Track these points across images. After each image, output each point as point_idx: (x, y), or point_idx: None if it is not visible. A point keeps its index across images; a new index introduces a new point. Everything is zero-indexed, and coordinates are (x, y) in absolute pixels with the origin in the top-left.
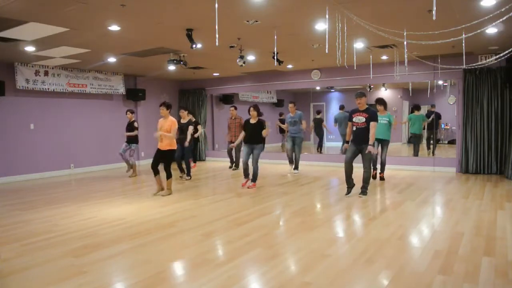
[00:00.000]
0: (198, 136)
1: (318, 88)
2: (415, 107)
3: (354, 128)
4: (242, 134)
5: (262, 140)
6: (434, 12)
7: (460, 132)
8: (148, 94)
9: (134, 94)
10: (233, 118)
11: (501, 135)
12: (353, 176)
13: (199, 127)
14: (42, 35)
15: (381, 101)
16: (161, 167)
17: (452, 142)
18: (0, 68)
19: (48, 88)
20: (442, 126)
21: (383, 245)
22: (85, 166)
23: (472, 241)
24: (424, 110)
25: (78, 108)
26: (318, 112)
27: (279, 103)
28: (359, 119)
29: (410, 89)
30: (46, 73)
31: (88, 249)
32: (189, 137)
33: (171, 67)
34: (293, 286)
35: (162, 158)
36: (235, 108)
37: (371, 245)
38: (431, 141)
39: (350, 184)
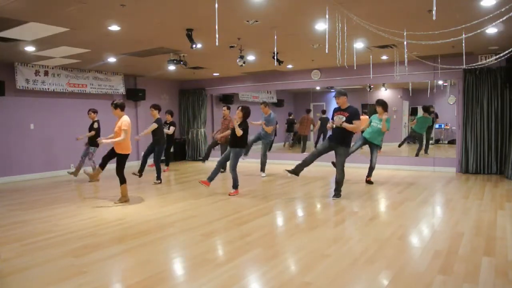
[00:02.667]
0: (172, 139)
1: (318, 88)
2: (425, 109)
3: (334, 126)
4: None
5: (243, 144)
6: (434, 12)
7: (460, 132)
8: (148, 94)
9: (134, 94)
10: (224, 118)
11: (501, 135)
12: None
13: (172, 128)
14: (42, 35)
15: (380, 103)
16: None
17: (452, 142)
18: (0, 68)
19: (48, 88)
20: (442, 126)
21: (383, 245)
22: (85, 166)
23: (472, 241)
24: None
25: (78, 108)
26: (324, 112)
27: (279, 103)
28: (339, 117)
29: (410, 89)
30: (46, 73)
31: (88, 249)
32: (147, 131)
33: (171, 67)
34: (293, 286)
35: (116, 161)
36: (228, 108)
37: (371, 245)
38: (430, 141)
39: (298, 169)
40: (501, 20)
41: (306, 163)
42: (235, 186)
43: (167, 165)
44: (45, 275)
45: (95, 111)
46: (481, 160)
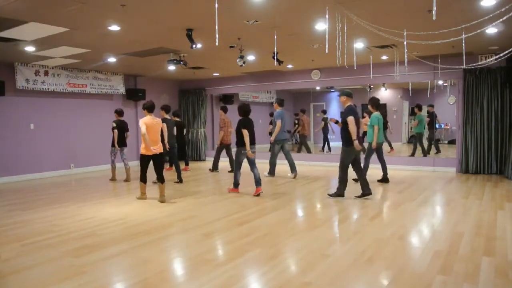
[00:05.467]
0: (182, 139)
1: (318, 88)
2: (418, 107)
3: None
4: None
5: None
6: (434, 12)
7: (460, 132)
8: (148, 94)
9: (134, 94)
10: (222, 118)
11: (501, 135)
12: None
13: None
14: (42, 35)
15: (370, 101)
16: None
17: (452, 142)
18: (0, 68)
19: (48, 88)
20: (442, 126)
21: (383, 245)
22: (85, 166)
23: (472, 241)
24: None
25: (78, 108)
26: (324, 112)
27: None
28: (341, 118)
29: (410, 89)
30: (46, 73)
31: (88, 249)
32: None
33: (171, 67)
34: (293, 286)
35: (161, 162)
36: (221, 109)
37: (371, 245)
38: (432, 141)
39: (342, 187)
40: (501, 20)
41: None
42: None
43: (186, 164)
44: (45, 275)
45: (116, 111)
46: (481, 160)
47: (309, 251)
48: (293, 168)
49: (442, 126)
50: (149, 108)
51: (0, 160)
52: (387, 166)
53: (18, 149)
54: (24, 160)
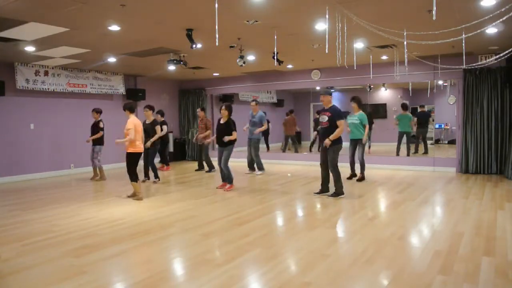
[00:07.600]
0: (165, 138)
1: (318, 88)
2: (403, 107)
3: (319, 128)
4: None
5: (231, 142)
6: (434, 12)
7: (460, 132)
8: (148, 94)
9: (134, 94)
10: (200, 119)
11: (501, 135)
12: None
13: (164, 127)
14: (42, 35)
15: (353, 99)
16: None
17: (452, 142)
18: (0, 68)
19: (48, 88)
20: (442, 126)
21: (383, 245)
22: (85, 166)
23: (472, 241)
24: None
25: (78, 108)
26: (318, 112)
27: (279, 103)
28: (323, 118)
29: (410, 89)
30: (46, 73)
31: (88, 249)
32: (154, 138)
33: (171, 67)
34: (293, 286)
35: (126, 160)
36: (201, 109)
37: (371, 245)
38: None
39: (323, 187)
40: (501, 20)
41: (323, 178)
42: (231, 181)
43: (167, 164)
44: (45, 275)
45: (98, 111)
46: (481, 160)
47: (309, 251)
48: (251, 166)
49: (442, 126)
50: (131, 109)
51: (0, 160)
52: (387, 166)
53: (18, 149)
54: (24, 160)
